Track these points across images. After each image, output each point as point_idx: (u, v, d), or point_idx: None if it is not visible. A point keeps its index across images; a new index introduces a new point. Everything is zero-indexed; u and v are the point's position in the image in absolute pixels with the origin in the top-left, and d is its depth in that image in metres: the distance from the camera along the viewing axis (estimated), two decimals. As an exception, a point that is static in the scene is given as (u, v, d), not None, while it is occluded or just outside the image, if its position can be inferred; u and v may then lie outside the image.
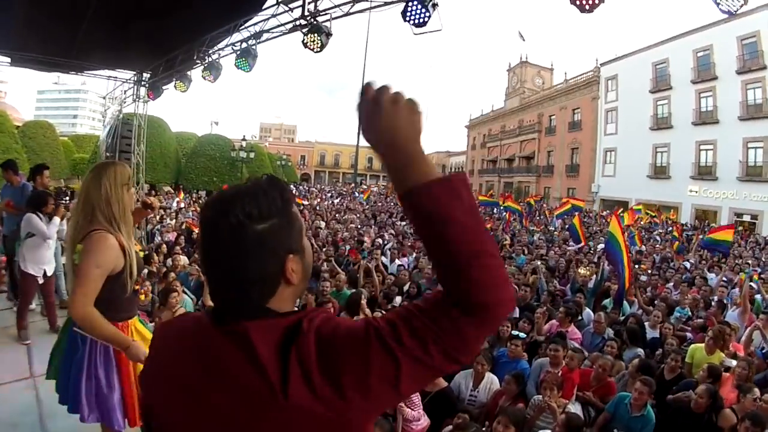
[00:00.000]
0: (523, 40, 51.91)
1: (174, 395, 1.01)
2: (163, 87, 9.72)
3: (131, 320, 2.71)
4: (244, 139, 32.49)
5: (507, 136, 50.86)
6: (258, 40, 7.14)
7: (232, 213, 0.95)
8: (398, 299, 6.95)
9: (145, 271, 7.09)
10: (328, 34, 5.80)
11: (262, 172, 37.22)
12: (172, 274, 7.24)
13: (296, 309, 1.05)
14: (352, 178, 55.93)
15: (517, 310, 6.58)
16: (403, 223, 16.42)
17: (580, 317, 6.69)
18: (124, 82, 11.36)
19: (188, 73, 8.62)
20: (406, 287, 7.57)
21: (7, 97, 75.35)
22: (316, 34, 5.79)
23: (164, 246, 10.14)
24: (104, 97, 12.81)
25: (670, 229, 21.25)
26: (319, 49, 5.85)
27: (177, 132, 39.39)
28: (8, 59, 9.22)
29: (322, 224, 15.98)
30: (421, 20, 5.25)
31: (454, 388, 4.59)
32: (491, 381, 4.60)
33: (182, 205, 21.82)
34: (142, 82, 10.46)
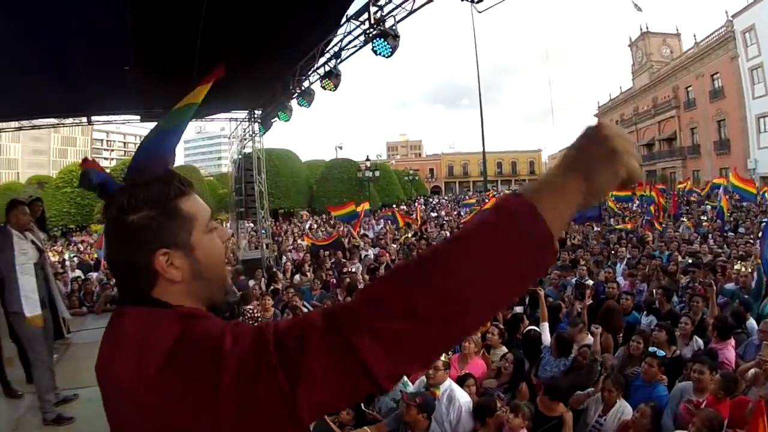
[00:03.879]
0: (639, 10, 43.40)
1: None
2: (271, 120, 10.34)
3: None
4: (368, 160, 33.59)
5: (642, 118, 45.39)
6: (339, 60, 7.38)
7: (112, 205, 0.98)
8: (518, 309, 6.57)
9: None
10: (395, 36, 5.82)
11: (391, 189, 38.15)
12: (291, 290, 7.75)
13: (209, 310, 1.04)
14: (483, 186, 55.26)
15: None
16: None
17: (740, 330, 5.52)
18: (241, 121, 12.41)
19: (288, 103, 9.14)
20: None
21: None
22: (384, 39, 5.85)
23: (289, 264, 10.90)
24: (228, 137, 14.17)
25: None
26: (389, 53, 5.88)
27: (307, 161, 42.14)
28: (138, 117, 10.42)
29: (447, 233, 15.83)
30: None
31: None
32: (622, 409, 3.96)
33: (315, 226, 23.17)
34: (255, 119, 11.32)
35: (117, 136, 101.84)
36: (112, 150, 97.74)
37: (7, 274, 4.57)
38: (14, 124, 10.85)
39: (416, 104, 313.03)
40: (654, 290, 7.24)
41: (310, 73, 8.27)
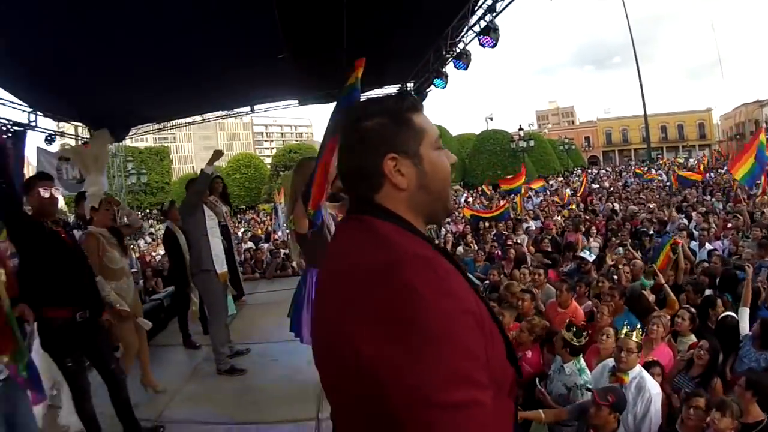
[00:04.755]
0: None
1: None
2: (426, 90, 10.11)
3: None
4: (520, 129, 32.02)
5: None
6: (494, 14, 6.86)
7: (349, 115, 1.10)
8: (708, 292, 5.45)
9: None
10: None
11: (546, 160, 36.28)
12: None
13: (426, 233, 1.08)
14: (646, 153, 50.19)
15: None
16: (712, 198, 13.82)
17: None
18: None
19: (443, 70, 8.78)
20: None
21: (315, 135, 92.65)
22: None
23: (450, 236, 10.80)
24: None
25: None
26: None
27: (457, 135, 41.32)
28: (296, 101, 10.79)
29: (617, 206, 14.93)
30: None
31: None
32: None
33: (470, 199, 22.75)
34: (408, 92, 11.01)
35: (275, 128, 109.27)
36: (272, 141, 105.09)
37: (199, 236, 5.03)
38: (187, 120, 11.69)
39: (563, 68, 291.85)
40: None
41: (463, 34, 7.83)
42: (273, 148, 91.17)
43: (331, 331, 0.94)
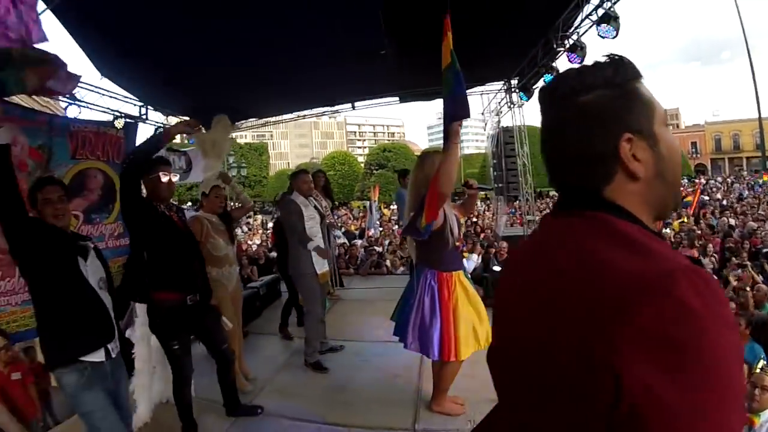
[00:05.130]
0: None
1: (510, 290, 0.95)
2: (533, 87, 9.64)
3: (456, 273, 3.49)
4: (622, 131, 30.54)
5: None
6: (613, 1, 6.32)
7: (558, 88, 0.89)
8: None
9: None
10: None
11: None
12: None
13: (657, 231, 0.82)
14: (761, 162, 44.54)
15: None
16: None
17: None
18: (497, 92, 11.84)
19: (553, 64, 8.31)
20: None
21: (406, 135, 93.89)
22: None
23: None
24: (482, 113, 13.63)
25: None
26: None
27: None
28: (397, 98, 10.66)
29: (732, 221, 13.70)
30: None
31: None
32: None
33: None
34: (512, 88, 10.68)
35: (367, 128, 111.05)
36: (364, 140, 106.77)
37: (304, 237, 4.92)
38: (287, 116, 11.84)
39: (665, 65, 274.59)
40: None
41: (577, 24, 7.33)
42: (365, 147, 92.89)
43: (561, 342, 0.73)
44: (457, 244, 3.54)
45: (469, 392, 3.87)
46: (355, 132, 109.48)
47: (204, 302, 3.62)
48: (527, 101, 10.25)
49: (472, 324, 3.43)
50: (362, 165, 46.50)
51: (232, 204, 7.36)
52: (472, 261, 6.47)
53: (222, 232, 4.41)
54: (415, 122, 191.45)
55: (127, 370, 2.87)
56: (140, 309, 3.88)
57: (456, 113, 3.37)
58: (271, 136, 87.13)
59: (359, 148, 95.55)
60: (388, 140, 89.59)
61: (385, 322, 5.65)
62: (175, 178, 3.51)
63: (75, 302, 2.53)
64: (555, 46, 7.78)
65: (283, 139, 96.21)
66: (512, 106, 11.02)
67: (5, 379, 4.77)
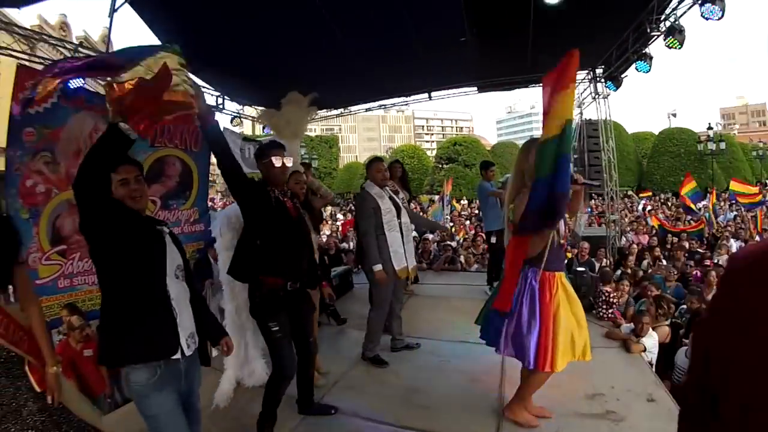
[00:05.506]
0: None
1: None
2: (621, 76, 8.93)
3: (558, 273, 3.19)
4: (710, 128, 28.26)
5: None
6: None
7: None
8: None
9: (618, 272, 6.93)
10: None
11: (736, 167, 31.60)
12: (646, 283, 6.82)
13: None
14: None
15: None
16: None
17: None
18: (579, 83, 11.03)
19: (646, 51, 7.72)
20: None
21: (475, 130, 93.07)
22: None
23: (635, 247, 9.71)
24: None
25: None
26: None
27: (633, 133, 37.89)
28: (474, 88, 10.25)
29: None
30: None
31: None
32: None
33: (648, 207, 20.66)
34: (597, 78, 9.99)
35: (435, 122, 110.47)
36: (432, 134, 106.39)
37: (374, 232, 4.75)
38: (359, 107, 11.69)
39: (752, 56, 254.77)
40: None
41: (675, 5, 6.75)
42: (433, 141, 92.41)
43: None
44: (562, 242, 3.21)
45: (555, 403, 3.63)
46: (422, 126, 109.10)
47: (304, 290, 3.56)
48: (615, 91, 9.44)
49: (571, 332, 3.12)
50: (431, 159, 46.06)
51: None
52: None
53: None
54: (484, 116, 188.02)
55: (202, 363, 2.61)
56: (228, 285, 3.84)
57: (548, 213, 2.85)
58: (340, 129, 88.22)
59: (427, 142, 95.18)
60: (456, 134, 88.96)
61: (461, 320, 5.39)
62: (289, 162, 3.37)
63: (149, 292, 2.29)
64: (649, 30, 7.23)
65: (352, 133, 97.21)
66: (597, 96, 10.28)
67: (78, 356, 4.95)
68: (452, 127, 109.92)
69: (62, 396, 2.37)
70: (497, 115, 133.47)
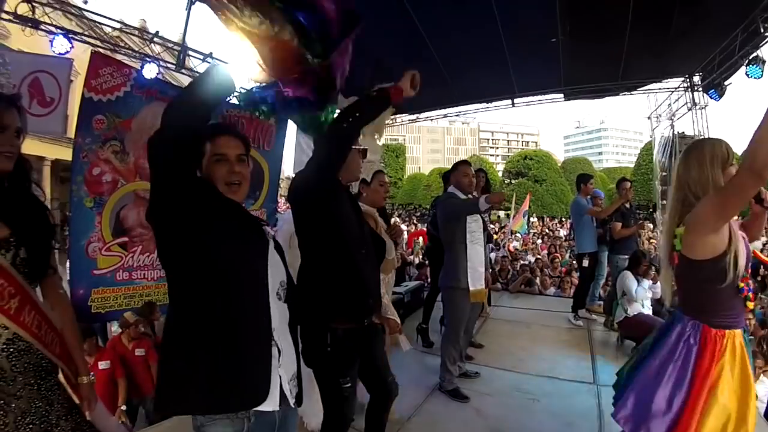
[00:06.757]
0: None
1: None
2: (725, 83, 8.06)
3: (732, 331, 2.02)
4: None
5: None
6: None
7: None
8: None
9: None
10: None
11: None
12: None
13: None
14: None
15: None
16: None
17: None
18: (672, 92, 9.99)
19: (758, 53, 6.97)
20: None
21: (541, 144, 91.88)
22: None
23: None
24: (648, 117, 11.91)
25: None
26: None
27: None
28: (561, 95, 9.71)
29: None
30: None
31: None
32: None
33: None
34: (694, 86, 9.06)
35: (501, 135, 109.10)
36: (497, 147, 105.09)
37: (457, 243, 4.18)
38: (433, 113, 11.51)
39: None
40: None
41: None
42: (498, 155, 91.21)
43: None
44: (740, 284, 2.02)
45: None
46: (488, 139, 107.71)
47: (374, 322, 2.65)
48: (717, 101, 8.38)
49: (727, 418, 1.99)
50: (498, 172, 45.19)
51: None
52: (643, 288, 5.45)
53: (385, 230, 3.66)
54: (551, 131, 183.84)
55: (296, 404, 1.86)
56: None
57: None
58: (404, 140, 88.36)
59: (491, 156, 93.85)
60: (522, 148, 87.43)
61: (546, 352, 4.87)
62: (374, 157, 3.15)
63: (245, 317, 1.64)
64: (762, 30, 6.53)
65: (416, 144, 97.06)
66: (693, 106, 9.35)
67: (129, 353, 4.90)
68: (518, 141, 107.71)
69: (93, 412, 1.99)
70: (565, 131, 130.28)
